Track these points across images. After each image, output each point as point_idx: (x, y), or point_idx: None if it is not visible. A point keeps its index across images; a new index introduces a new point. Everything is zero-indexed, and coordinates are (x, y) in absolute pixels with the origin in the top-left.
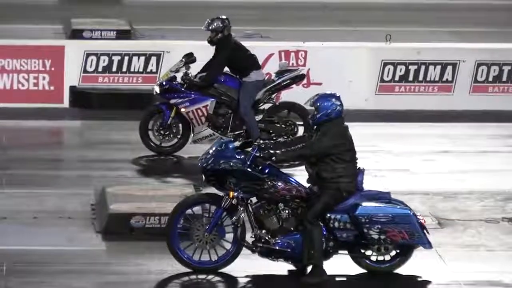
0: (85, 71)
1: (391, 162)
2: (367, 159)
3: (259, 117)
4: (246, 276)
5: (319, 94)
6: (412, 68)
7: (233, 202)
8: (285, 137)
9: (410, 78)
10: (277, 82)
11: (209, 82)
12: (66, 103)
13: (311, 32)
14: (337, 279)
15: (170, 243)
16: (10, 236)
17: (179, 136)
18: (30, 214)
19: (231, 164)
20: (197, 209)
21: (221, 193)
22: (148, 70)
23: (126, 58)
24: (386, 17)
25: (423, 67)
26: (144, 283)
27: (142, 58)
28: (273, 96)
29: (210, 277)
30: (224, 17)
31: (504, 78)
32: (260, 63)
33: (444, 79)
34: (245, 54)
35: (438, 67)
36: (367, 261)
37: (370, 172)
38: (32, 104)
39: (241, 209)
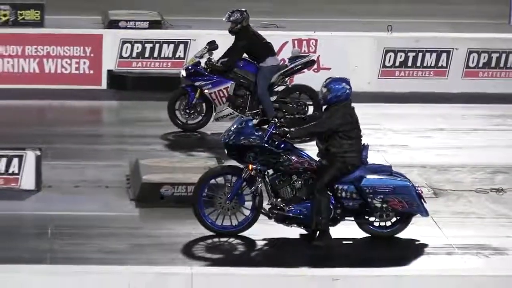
0: (121, 56)
1: (392, 138)
2: (371, 136)
3: (273, 98)
4: (263, 239)
5: (332, 78)
6: (411, 55)
7: (252, 173)
8: (297, 115)
9: (409, 64)
10: (290, 67)
11: (229, 67)
12: (104, 85)
13: (321, 23)
14: (344, 242)
15: (196, 209)
16: (54, 203)
17: (202, 115)
18: (72, 183)
19: (251, 140)
20: (220, 179)
21: (241, 166)
22: (177, 56)
23: (157, 45)
24: (388, 10)
25: (420, 54)
26: (173, 244)
27: (171, 46)
28: (286, 79)
29: (231, 240)
30: (243, 9)
31: (493, 65)
32: (275, 50)
33: (440, 65)
34: (261, 42)
35: (434, 54)
36: (371, 227)
37: (374, 147)
38: (74, 86)
39: (259, 180)
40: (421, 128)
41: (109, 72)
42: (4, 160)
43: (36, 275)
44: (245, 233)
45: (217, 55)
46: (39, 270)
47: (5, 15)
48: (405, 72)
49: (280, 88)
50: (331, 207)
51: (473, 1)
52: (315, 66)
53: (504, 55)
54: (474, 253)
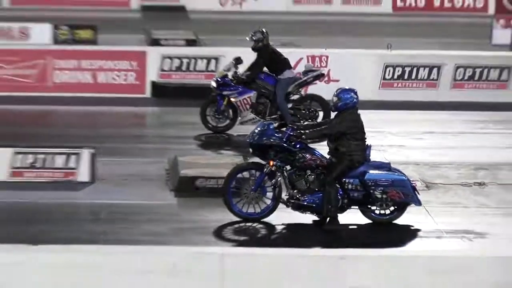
0: (162, 70)
1: (391, 140)
2: (373, 138)
3: (290, 105)
4: (282, 224)
5: (341, 88)
6: (407, 69)
7: (273, 169)
8: (310, 120)
9: (405, 77)
10: (304, 79)
11: (252, 79)
12: (148, 94)
13: (331, 41)
14: (350, 227)
15: (225, 199)
16: (106, 193)
17: (230, 119)
18: (121, 177)
19: (271, 140)
20: (245, 174)
21: (263, 162)
22: (209, 69)
23: (193, 60)
24: (388, 31)
25: (415, 69)
26: (206, 228)
27: (204, 61)
28: (300, 89)
29: (255, 224)
30: (264, 30)
31: (476, 78)
32: (292, 64)
33: (431, 77)
34: (279, 58)
35: (427, 69)
36: (372, 214)
37: (375, 147)
38: (122, 94)
39: (278, 174)
40: (415, 131)
41: (152, 83)
42: (64, 157)
43: (92, 254)
44: (267, 219)
45: (242, 68)
46: (95, 250)
47: (64, 34)
48: (402, 84)
49: (296, 97)
50: (339, 197)
51: (460, 23)
52: (325, 78)
53: (486, 70)
54: (459, 237)
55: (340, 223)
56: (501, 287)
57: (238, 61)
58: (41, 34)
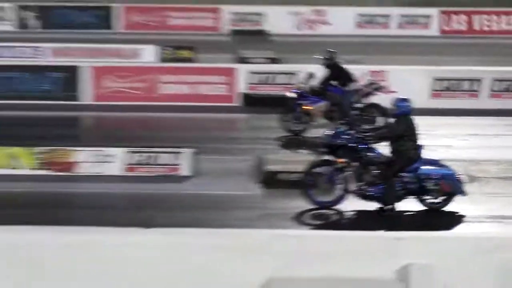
0: (250, 83)
1: (440, 140)
2: (425, 139)
3: (355, 112)
4: (352, 211)
5: (398, 98)
6: (453, 82)
7: (342, 165)
8: (370, 125)
9: (452, 89)
10: (366, 90)
11: (323, 90)
12: (237, 103)
13: (389, 59)
14: (406, 213)
15: (303, 190)
16: (205, 185)
17: (305, 124)
18: (217, 171)
19: (341, 141)
20: (319, 169)
21: (334, 159)
22: (288, 83)
23: (274, 75)
24: (436, 50)
25: (460, 82)
26: (288, 214)
27: (284, 76)
28: (364, 99)
29: (328, 211)
30: (333, 50)
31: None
32: (356, 78)
33: (473, 89)
34: (346, 73)
35: (469, 82)
36: (426, 202)
37: (427, 147)
38: (217, 103)
39: (347, 169)
40: (460, 133)
41: (242, 94)
42: (169, 155)
43: (196, 236)
44: (338, 207)
45: (315, 82)
46: (198, 232)
47: (168, 54)
48: (448, 94)
49: (359, 105)
50: (398, 188)
51: (498, 44)
52: (384, 90)
53: None
54: (498, 221)
55: (398, 209)
56: None
57: (311, 75)
58: (149, 54)
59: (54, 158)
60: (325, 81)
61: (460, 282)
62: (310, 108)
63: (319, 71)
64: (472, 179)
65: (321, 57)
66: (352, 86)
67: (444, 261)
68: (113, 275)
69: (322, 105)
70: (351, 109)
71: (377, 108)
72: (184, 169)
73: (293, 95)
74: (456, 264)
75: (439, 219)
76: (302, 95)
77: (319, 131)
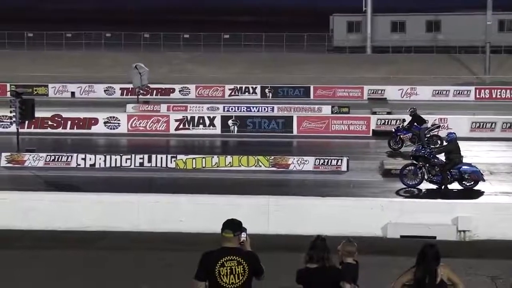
0: (376, 125)
1: (473, 153)
2: (465, 155)
3: (426, 139)
4: (424, 189)
5: (449, 132)
6: (485, 123)
7: (421, 165)
8: (435, 146)
9: (482, 127)
10: (432, 128)
11: (409, 127)
12: (370, 134)
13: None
14: (454, 190)
15: (401, 178)
16: (355, 176)
17: (400, 145)
18: (361, 169)
19: (421, 153)
20: (409, 167)
21: (416, 163)
22: (394, 124)
23: (389, 120)
24: (472, 107)
25: (494, 123)
26: (394, 190)
27: (393, 121)
28: (431, 132)
29: (412, 190)
30: (414, 107)
31: None
32: (427, 121)
33: (492, 127)
34: (422, 118)
35: (488, 123)
36: (464, 185)
37: (466, 158)
38: (360, 134)
39: (423, 167)
40: (484, 150)
41: (373, 130)
42: (337, 160)
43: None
44: (419, 186)
45: (406, 123)
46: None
47: (335, 109)
48: (481, 131)
49: (428, 135)
50: (449, 178)
51: None
52: (442, 128)
53: None
54: (505, 195)
55: (450, 189)
56: None
57: (402, 121)
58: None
59: (278, 161)
60: (410, 123)
61: (486, 226)
62: (403, 136)
63: (408, 118)
64: (490, 173)
65: (408, 111)
66: (425, 125)
67: (476, 214)
68: None
69: (409, 135)
70: (424, 137)
71: (438, 137)
72: (343, 167)
73: (395, 129)
74: (482, 216)
75: (470, 193)
76: (399, 130)
77: (407, 149)
